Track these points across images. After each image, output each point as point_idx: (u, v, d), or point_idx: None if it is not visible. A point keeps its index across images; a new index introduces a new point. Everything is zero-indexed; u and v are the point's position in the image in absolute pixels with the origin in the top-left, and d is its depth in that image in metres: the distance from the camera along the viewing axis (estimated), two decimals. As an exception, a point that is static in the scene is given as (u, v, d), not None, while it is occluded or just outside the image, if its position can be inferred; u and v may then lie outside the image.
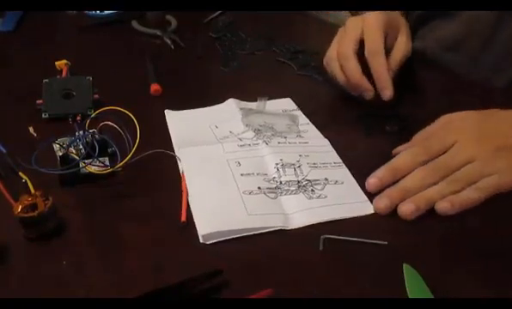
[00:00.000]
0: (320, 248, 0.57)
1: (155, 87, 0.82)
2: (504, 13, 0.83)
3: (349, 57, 0.76)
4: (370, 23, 0.76)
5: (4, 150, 0.66)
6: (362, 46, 0.77)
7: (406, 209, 0.60)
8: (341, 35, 0.80)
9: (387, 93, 0.75)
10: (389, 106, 0.77)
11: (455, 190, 0.61)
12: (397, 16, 0.83)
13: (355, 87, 0.77)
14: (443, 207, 0.61)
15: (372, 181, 0.64)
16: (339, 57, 0.78)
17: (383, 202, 0.61)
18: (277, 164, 0.67)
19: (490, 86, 0.86)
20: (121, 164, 0.63)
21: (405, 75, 0.81)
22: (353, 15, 0.94)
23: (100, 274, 0.54)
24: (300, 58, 0.93)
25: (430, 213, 0.63)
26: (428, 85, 0.86)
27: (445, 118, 0.68)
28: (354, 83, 0.76)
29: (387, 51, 0.77)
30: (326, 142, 0.73)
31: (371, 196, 0.63)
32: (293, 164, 0.67)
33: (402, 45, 0.79)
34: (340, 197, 0.63)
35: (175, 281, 0.51)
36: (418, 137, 0.69)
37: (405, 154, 0.66)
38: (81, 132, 0.64)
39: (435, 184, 0.62)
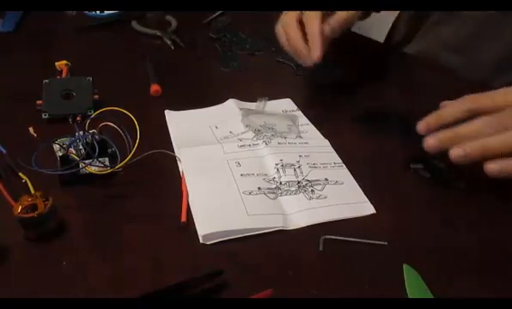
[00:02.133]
0: (320, 248, 0.57)
1: (154, 88, 0.82)
2: (505, 14, 0.83)
3: (290, 25, 0.78)
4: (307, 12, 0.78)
5: (4, 151, 0.66)
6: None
7: (455, 152, 0.60)
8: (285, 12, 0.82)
9: (316, 53, 0.74)
10: (390, 105, 0.77)
11: (508, 149, 0.59)
12: None
13: (295, 52, 0.78)
14: (491, 168, 0.59)
15: (421, 125, 0.64)
16: (283, 25, 0.80)
17: (432, 140, 0.62)
18: (277, 164, 0.67)
19: (490, 87, 0.86)
20: (121, 164, 0.63)
21: (404, 75, 0.81)
22: None
23: (100, 274, 0.54)
24: (300, 59, 0.93)
25: (430, 213, 0.63)
26: (427, 85, 0.86)
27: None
28: (293, 47, 0.78)
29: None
30: (326, 142, 0.73)
31: (371, 196, 0.63)
32: (293, 164, 0.67)
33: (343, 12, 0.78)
34: (340, 198, 0.63)
35: (175, 281, 0.51)
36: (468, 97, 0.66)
37: (452, 105, 0.65)
38: (81, 133, 0.64)
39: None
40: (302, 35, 0.77)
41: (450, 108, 0.65)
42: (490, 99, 0.63)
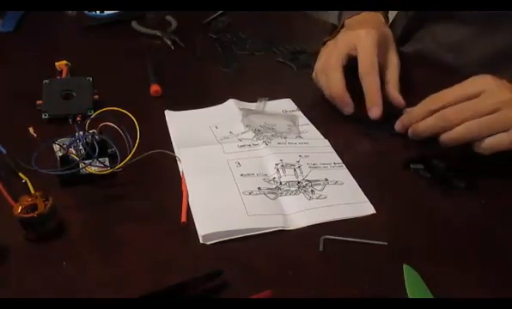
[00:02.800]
0: (320, 248, 0.57)
1: (154, 88, 0.82)
2: (499, 13, 0.83)
3: (335, 69, 0.76)
4: (364, 40, 0.77)
5: (4, 151, 0.66)
6: (349, 62, 0.77)
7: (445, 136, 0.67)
8: (330, 48, 0.80)
9: (377, 111, 0.74)
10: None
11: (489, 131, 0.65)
12: (387, 31, 0.83)
13: (336, 100, 0.77)
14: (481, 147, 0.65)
15: (397, 125, 0.73)
16: (326, 68, 0.78)
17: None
18: (277, 164, 0.67)
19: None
20: (121, 164, 0.63)
21: (403, 75, 0.81)
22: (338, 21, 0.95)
23: (100, 274, 0.54)
24: (300, 59, 0.94)
25: (430, 213, 0.63)
26: (426, 84, 0.86)
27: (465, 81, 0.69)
28: (336, 96, 0.76)
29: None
30: (326, 142, 0.73)
31: (371, 196, 0.63)
32: (293, 164, 0.67)
33: (395, 62, 0.80)
34: (340, 198, 0.63)
35: (175, 281, 0.51)
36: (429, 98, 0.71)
37: (418, 108, 0.71)
38: (81, 133, 0.64)
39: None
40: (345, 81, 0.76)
41: (417, 110, 0.71)
42: (450, 95, 0.68)
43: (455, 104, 0.67)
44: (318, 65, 0.81)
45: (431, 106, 0.69)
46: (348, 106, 0.76)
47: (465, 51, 0.89)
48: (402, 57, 0.82)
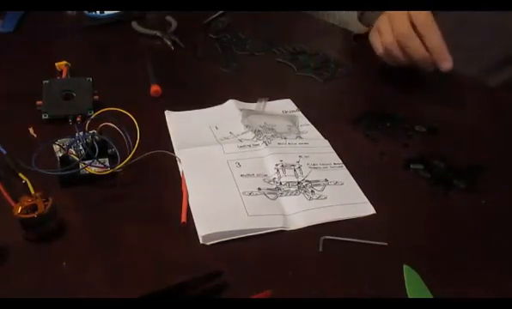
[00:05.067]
0: (320, 249, 0.57)
1: (154, 88, 0.82)
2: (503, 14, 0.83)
3: (410, 36, 0.76)
4: (412, 10, 0.77)
5: (4, 151, 0.66)
6: None
7: None
8: (390, 18, 0.79)
9: (449, 63, 0.75)
10: (390, 106, 0.77)
11: None
12: None
13: (422, 62, 0.77)
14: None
15: None
16: (399, 35, 0.77)
17: None
18: (277, 165, 0.67)
19: (485, 85, 0.87)
20: (121, 165, 0.63)
21: (404, 75, 0.81)
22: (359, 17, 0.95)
23: (100, 274, 0.54)
24: (300, 59, 0.94)
25: (430, 214, 0.63)
26: (427, 84, 0.86)
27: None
28: (421, 58, 0.76)
29: None
30: (326, 142, 0.73)
31: (371, 196, 0.63)
32: (293, 165, 0.67)
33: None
34: (340, 198, 0.63)
35: (175, 281, 0.51)
36: None
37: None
38: (81, 133, 0.64)
39: None
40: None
41: None
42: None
43: None
44: (387, 39, 0.79)
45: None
46: (448, 60, 0.76)
47: (467, 51, 0.89)
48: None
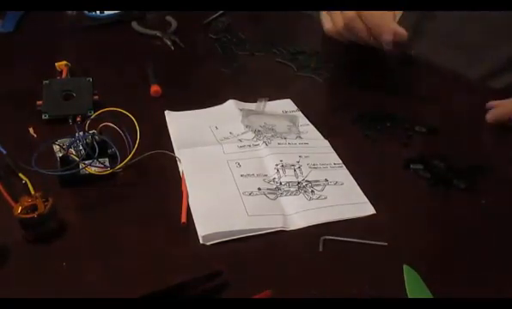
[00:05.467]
0: (320, 249, 0.57)
1: (154, 88, 0.82)
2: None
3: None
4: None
5: (4, 151, 0.66)
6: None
7: None
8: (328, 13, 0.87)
9: (389, 36, 0.80)
10: (390, 106, 0.77)
11: None
12: None
13: (382, 33, 0.81)
14: None
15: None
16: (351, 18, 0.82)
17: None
18: (277, 165, 0.67)
19: (486, 86, 0.87)
20: (121, 165, 0.63)
21: (405, 76, 0.81)
22: None
23: (100, 275, 0.54)
24: (300, 59, 0.93)
25: (430, 214, 0.63)
26: (428, 85, 0.87)
27: None
28: (382, 27, 0.81)
29: None
30: (326, 143, 0.73)
31: (371, 196, 0.63)
32: (293, 165, 0.67)
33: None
34: (340, 198, 0.63)
35: (175, 281, 0.51)
36: None
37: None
38: (81, 133, 0.64)
39: None
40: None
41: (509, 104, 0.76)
42: None
43: None
44: (336, 21, 0.86)
45: None
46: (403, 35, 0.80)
47: (470, 53, 0.89)
48: (405, 57, 0.83)
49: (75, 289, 0.52)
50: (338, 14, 0.85)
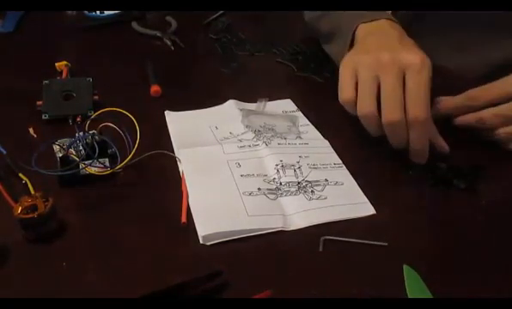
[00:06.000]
0: (320, 249, 0.57)
1: (154, 89, 0.82)
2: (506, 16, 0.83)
3: (426, 124, 0.64)
4: (419, 71, 0.63)
5: (4, 151, 0.66)
6: None
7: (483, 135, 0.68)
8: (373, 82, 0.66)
9: (423, 159, 0.67)
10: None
11: None
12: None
13: (420, 157, 0.67)
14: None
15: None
16: (413, 123, 0.63)
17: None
18: (277, 165, 0.67)
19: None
20: (121, 165, 0.63)
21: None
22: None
23: (101, 275, 0.54)
24: (300, 59, 0.94)
25: (430, 214, 0.63)
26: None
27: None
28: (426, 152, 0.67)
29: None
30: (326, 143, 0.73)
31: (371, 197, 0.63)
32: (293, 165, 0.67)
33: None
34: (340, 198, 0.63)
35: (175, 281, 0.51)
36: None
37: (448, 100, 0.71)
38: (81, 133, 0.64)
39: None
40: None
41: (456, 101, 0.71)
42: (487, 94, 0.68)
43: (495, 104, 0.67)
44: (365, 108, 0.65)
45: (469, 102, 0.69)
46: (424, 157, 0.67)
47: (471, 52, 0.89)
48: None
49: (75, 289, 0.52)
50: (372, 95, 0.65)
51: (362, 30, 0.75)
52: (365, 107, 0.65)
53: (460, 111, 0.70)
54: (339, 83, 0.69)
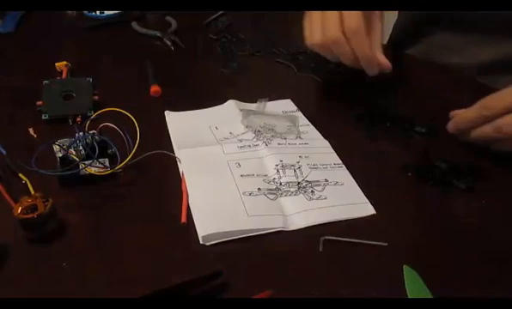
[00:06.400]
0: (320, 249, 0.57)
1: (154, 89, 0.82)
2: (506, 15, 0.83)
3: (360, 33, 0.73)
4: (348, 11, 0.74)
5: (4, 151, 0.66)
6: None
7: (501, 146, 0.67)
8: (323, 17, 0.76)
9: (375, 69, 0.75)
10: (390, 106, 0.77)
11: None
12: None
13: (370, 65, 0.75)
14: None
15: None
16: (349, 34, 0.73)
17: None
18: (276, 165, 0.67)
19: (488, 87, 0.86)
20: (121, 165, 0.63)
21: (406, 76, 0.81)
22: None
23: (101, 274, 0.54)
24: (300, 59, 0.93)
25: (431, 214, 0.63)
26: (429, 86, 0.87)
27: None
28: (372, 60, 0.75)
29: None
30: (326, 143, 0.73)
31: (371, 197, 0.63)
32: (293, 165, 0.67)
33: (378, 26, 0.77)
34: (340, 198, 0.63)
35: (175, 281, 0.51)
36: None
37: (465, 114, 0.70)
38: (81, 133, 0.64)
39: None
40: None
41: (471, 114, 0.69)
42: (505, 100, 0.65)
43: (509, 111, 0.64)
44: (326, 34, 0.75)
45: (484, 111, 0.67)
46: (387, 67, 0.76)
47: (470, 54, 0.89)
48: (406, 58, 0.82)
49: (75, 289, 0.52)
50: (318, 29, 0.76)
51: None
52: (315, 35, 0.77)
53: (476, 122, 0.68)
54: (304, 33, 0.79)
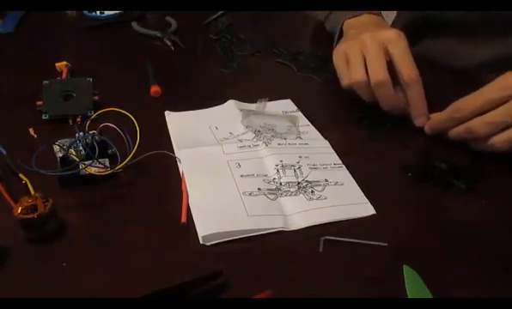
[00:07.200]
0: (320, 249, 0.57)
1: (154, 89, 0.82)
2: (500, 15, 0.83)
3: (419, 81, 0.72)
4: (399, 43, 0.72)
5: (4, 152, 0.66)
6: None
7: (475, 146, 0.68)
8: (360, 51, 0.74)
9: (424, 120, 0.73)
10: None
11: None
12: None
13: (415, 115, 0.74)
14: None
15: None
16: (382, 84, 0.72)
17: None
18: (277, 165, 0.67)
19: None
20: (121, 165, 0.63)
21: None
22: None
23: (101, 275, 0.54)
24: (300, 60, 0.93)
25: (431, 214, 0.63)
26: (429, 85, 0.86)
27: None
28: (417, 110, 0.73)
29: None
30: (326, 143, 0.73)
31: (371, 197, 0.63)
32: (293, 165, 0.67)
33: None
34: (340, 199, 0.63)
35: (175, 281, 0.51)
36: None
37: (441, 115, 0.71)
38: (81, 133, 0.64)
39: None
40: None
41: (444, 116, 0.71)
42: (476, 102, 0.67)
43: (482, 112, 0.66)
44: (356, 77, 0.73)
45: (455, 113, 0.69)
46: (425, 116, 0.73)
47: (467, 54, 0.89)
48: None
49: (75, 289, 0.52)
50: (359, 64, 0.73)
51: (347, 25, 0.86)
52: (355, 74, 0.74)
53: (449, 123, 0.70)
54: (337, 73, 0.78)
